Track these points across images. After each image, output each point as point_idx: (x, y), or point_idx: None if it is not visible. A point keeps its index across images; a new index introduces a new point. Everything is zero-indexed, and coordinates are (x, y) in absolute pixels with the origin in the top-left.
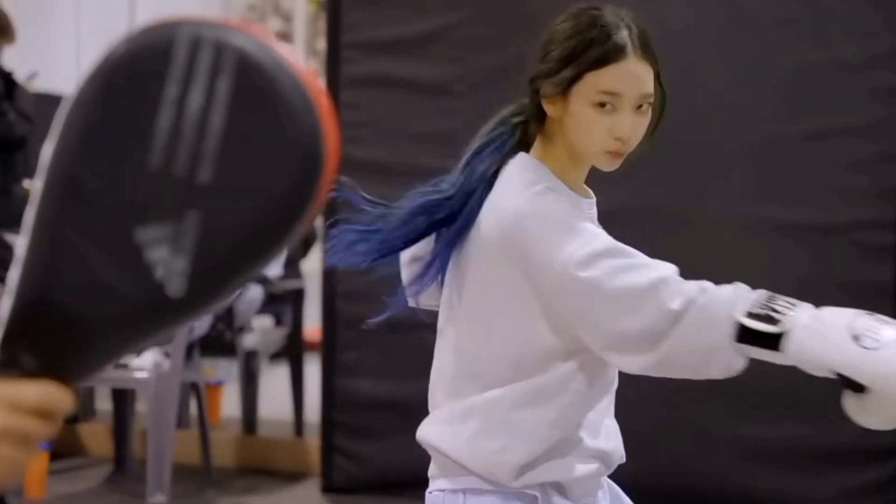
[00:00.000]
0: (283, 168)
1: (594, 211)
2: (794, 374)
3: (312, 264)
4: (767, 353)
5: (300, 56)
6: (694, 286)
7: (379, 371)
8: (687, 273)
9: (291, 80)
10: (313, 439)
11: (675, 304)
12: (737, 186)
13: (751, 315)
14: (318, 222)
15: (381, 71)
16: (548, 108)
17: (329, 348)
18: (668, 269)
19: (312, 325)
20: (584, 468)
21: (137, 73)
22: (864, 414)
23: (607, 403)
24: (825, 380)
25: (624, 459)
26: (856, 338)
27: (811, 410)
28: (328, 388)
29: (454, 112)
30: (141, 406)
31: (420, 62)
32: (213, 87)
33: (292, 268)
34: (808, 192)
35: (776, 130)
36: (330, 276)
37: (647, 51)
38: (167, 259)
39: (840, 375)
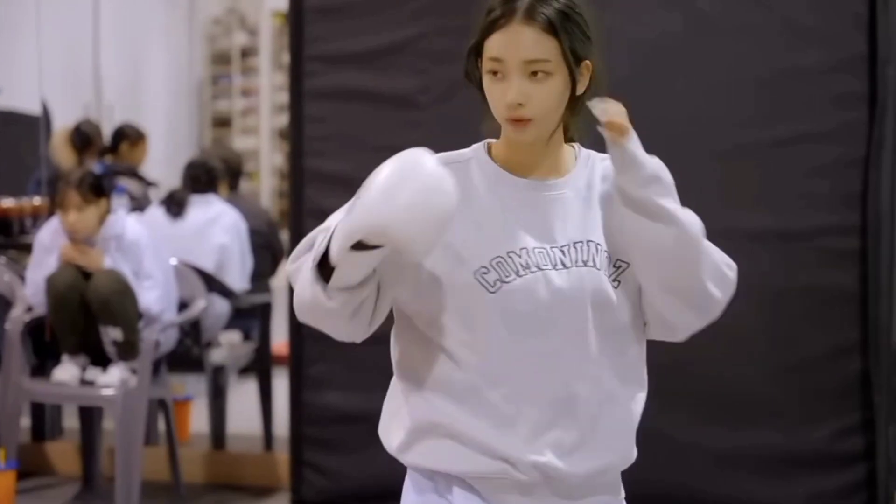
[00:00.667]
0: None
1: (534, 192)
2: (761, 380)
3: (279, 279)
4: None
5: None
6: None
7: (347, 384)
8: None
9: None
10: (282, 454)
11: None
12: (704, 193)
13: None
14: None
15: (345, 83)
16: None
17: (297, 362)
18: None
19: (280, 339)
20: (481, 465)
21: None
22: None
23: (526, 409)
24: (793, 386)
25: (577, 476)
26: None
27: (779, 416)
28: (297, 402)
29: (418, 124)
30: (108, 423)
31: (384, 74)
32: None
33: (260, 282)
34: (774, 198)
35: (741, 138)
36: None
37: (539, 17)
38: None
39: None
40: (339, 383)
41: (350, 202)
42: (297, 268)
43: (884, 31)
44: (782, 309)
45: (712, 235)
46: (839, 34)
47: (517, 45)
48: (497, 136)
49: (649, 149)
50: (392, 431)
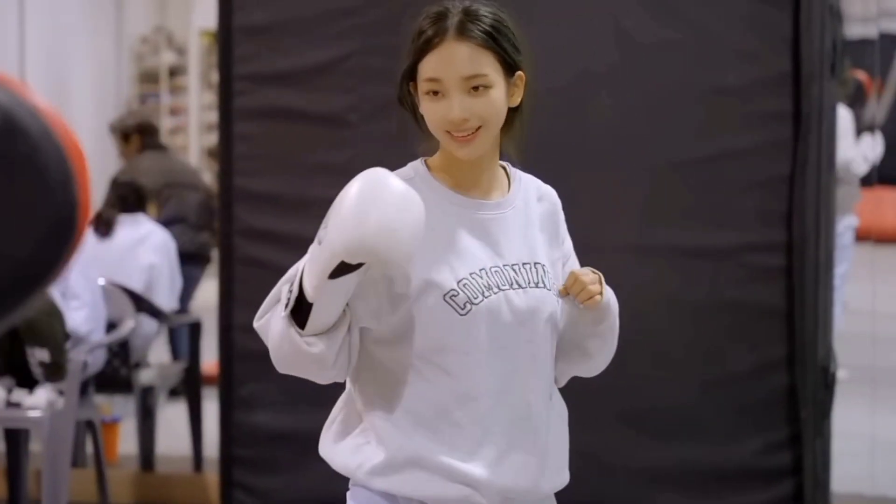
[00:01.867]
0: (32, 236)
1: (481, 212)
2: (687, 396)
3: (208, 297)
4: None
5: (67, 123)
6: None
7: (278, 404)
8: None
9: (55, 150)
10: (212, 475)
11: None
12: (630, 209)
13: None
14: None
15: (274, 102)
16: (418, 105)
17: (226, 382)
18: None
19: (209, 359)
20: (448, 490)
21: None
22: None
23: (492, 429)
24: (720, 401)
25: (536, 496)
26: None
27: (706, 432)
28: (226, 422)
29: (348, 142)
30: (35, 446)
31: (314, 93)
32: None
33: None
34: (697, 215)
35: (667, 154)
36: (226, 308)
37: (472, 33)
38: None
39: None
40: (269, 403)
41: (313, 245)
42: (266, 322)
43: (808, 49)
44: (708, 324)
45: (639, 251)
46: (764, 52)
47: (454, 62)
48: (432, 156)
49: (575, 166)
50: (353, 459)
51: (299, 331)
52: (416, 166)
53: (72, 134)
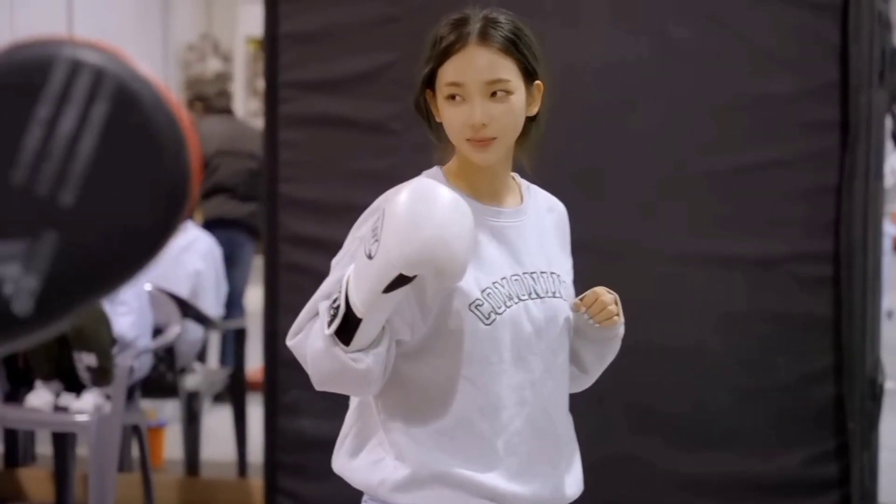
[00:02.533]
0: (147, 203)
1: (499, 220)
2: (734, 406)
3: (253, 303)
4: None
5: (176, 94)
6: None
7: (322, 411)
8: (623, 305)
9: (167, 117)
10: (257, 480)
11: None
12: (674, 219)
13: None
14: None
15: (319, 109)
16: (434, 112)
17: (271, 388)
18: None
19: (254, 364)
20: (462, 502)
21: (10, 87)
22: None
23: (514, 440)
24: (766, 411)
25: None
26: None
27: (753, 442)
28: (271, 428)
29: (392, 150)
30: (82, 450)
31: (358, 101)
32: (87, 113)
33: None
34: (745, 224)
35: (712, 163)
36: (271, 315)
37: (495, 39)
38: (18, 276)
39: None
40: (313, 410)
41: (360, 259)
42: (303, 339)
43: (856, 58)
44: (755, 334)
45: (685, 261)
46: (812, 61)
47: (476, 67)
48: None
49: (620, 175)
50: (373, 475)
51: (344, 348)
52: (433, 173)
53: (180, 104)
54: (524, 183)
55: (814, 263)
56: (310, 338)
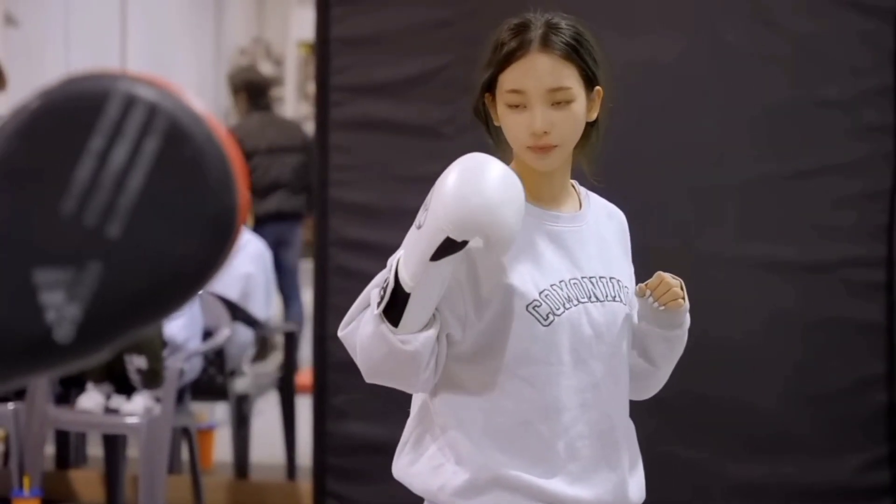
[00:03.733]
0: (194, 238)
1: (558, 225)
2: (785, 412)
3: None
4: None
5: (226, 131)
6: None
7: (371, 414)
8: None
9: (218, 155)
10: (305, 483)
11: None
12: (725, 224)
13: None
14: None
15: (370, 113)
16: (493, 117)
17: (320, 391)
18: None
19: (304, 367)
20: None
21: (66, 118)
22: None
23: (576, 444)
24: (818, 417)
25: None
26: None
27: (804, 448)
28: (320, 431)
29: (443, 154)
30: (132, 451)
31: (409, 104)
32: (139, 147)
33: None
34: (796, 229)
35: (763, 168)
36: (320, 318)
37: (557, 45)
38: (61, 304)
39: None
40: (362, 413)
41: (410, 231)
42: (354, 328)
43: None
44: (806, 340)
45: (736, 265)
46: (865, 65)
47: (538, 74)
48: None
49: (674, 178)
50: (433, 481)
51: (392, 328)
52: None
53: (230, 138)
54: (583, 190)
55: (866, 269)
56: (360, 326)
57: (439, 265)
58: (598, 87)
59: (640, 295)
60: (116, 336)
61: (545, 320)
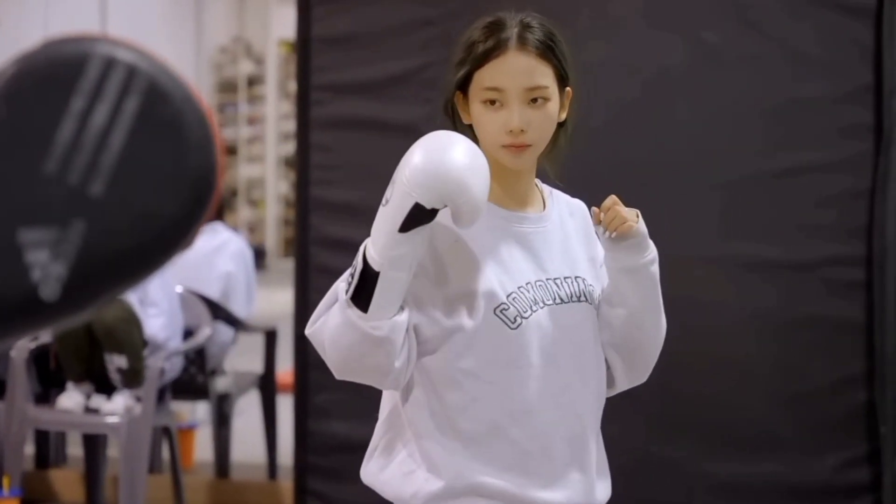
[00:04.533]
0: (175, 195)
1: (524, 226)
2: (766, 410)
3: (284, 306)
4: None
5: (204, 95)
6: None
7: (352, 413)
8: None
9: (196, 114)
10: (286, 482)
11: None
12: (706, 223)
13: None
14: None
15: (351, 112)
16: (463, 115)
17: (301, 390)
18: None
19: (284, 367)
20: None
21: (47, 80)
22: None
23: (549, 446)
24: (798, 416)
25: None
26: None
27: (784, 447)
28: (301, 430)
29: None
30: (112, 451)
31: (390, 103)
32: (119, 107)
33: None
34: (779, 228)
35: (746, 168)
36: (302, 317)
37: (534, 44)
38: (46, 262)
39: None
40: (343, 412)
41: (379, 210)
42: (322, 324)
43: (890, 62)
44: (787, 339)
45: (717, 265)
46: (845, 65)
47: (516, 73)
48: None
49: (652, 178)
50: (406, 487)
51: (362, 314)
52: None
53: (205, 100)
54: (546, 188)
55: (847, 268)
56: (329, 318)
57: (409, 238)
58: (568, 88)
59: (596, 221)
60: (101, 294)
61: (513, 323)
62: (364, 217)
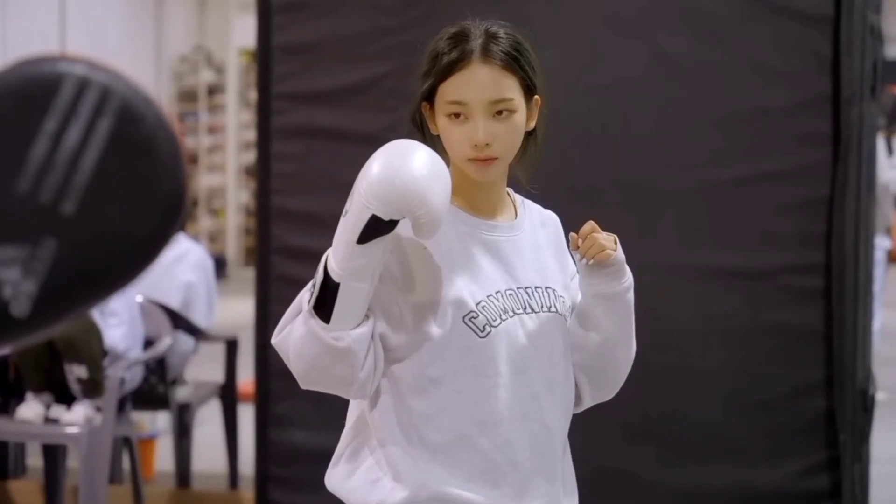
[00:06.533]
0: (145, 216)
1: (494, 234)
2: (726, 418)
3: (244, 315)
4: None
5: (164, 104)
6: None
7: (313, 422)
8: None
9: (168, 136)
10: (248, 492)
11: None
12: (665, 232)
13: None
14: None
15: (312, 121)
16: (430, 126)
17: (262, 400)
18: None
19: (245, 376)
20: None
21: (21, 99)
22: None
23: (515, 457)
24: (758, 423)
25: None
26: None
27: (745, 454)
28: (262, 440)
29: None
30: (72, 462)
31: (351, 112)
32: (92, 127)
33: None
34: (738, 236)
35: (704, 176)
36: (262, 326)
37: (498, 56)
38: (17, 280)
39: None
40: (305, 422)
41: (340, 222)
42: (287, 334)
43: (848, 71)
44: (746, 347)
45: (676, 273)
46: (804, 74)
47: (480, 85)
48: None
49: (612, 187)
50: (371, 496)
51: (325, 325)
52: None
53: (175, 121)
54: (518, 198)
55: (806, 275)
56: (293, 329)
57: (368, 250)
58: (536, 97)
59: (574, 247)
60: (70, 311)
61: (482, 332)
62: (325, 226)
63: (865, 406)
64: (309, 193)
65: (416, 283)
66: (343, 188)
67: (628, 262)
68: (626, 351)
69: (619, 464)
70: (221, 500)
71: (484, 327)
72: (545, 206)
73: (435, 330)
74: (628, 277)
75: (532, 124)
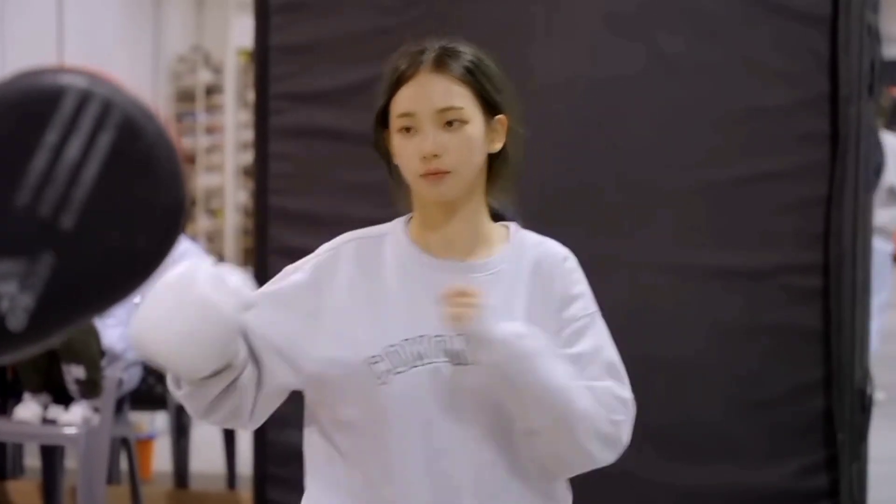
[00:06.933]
0: (144, 230)
1: (444, 274)
2: (725, 418)
3: None
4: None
5: (162, 104)
6: None
7: None
8: (614, 318)
9: (168, 149)
10: (246, 492)
11: None
12: (664, 231)
13: None
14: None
15: (310, 121)
16: (394, 154)
17: None
18: None
19: None
20: None
21: (22, 112)
22: None
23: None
24: (757, 423)
25: None
26: None
27: (743, 454)
28: (260, 440)
29: (383, 162)
30: (70, 462)
31: (349, 112)
32: (93, 141)
33: None
34: (736, 236)
35: (703, 175)
36: None
37: (449, 66)
38: (14, 294)
39: None
40: (302, 422)
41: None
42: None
43: (845, 70)
44: (744, 346)
45: (675, 272)
46: (802, 74)
47: (428, 94)
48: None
49: (611, 187)
50: None
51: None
52: (396, 223)
53: (175, 135)
54: (517, 235)
55: (804, 275)
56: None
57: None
58: (500, 116)
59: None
60: (68, 324)
61: (379, 379)
62: (323, 226)
63: (863, 405)
64: (307, 194)
65: (329, 323)
66: (341, 188)
67: (629, 262)
68: (573, 444)
69: (618, 464)
70: (220, 500)
71: (383, 374)
72: (545, 210)
73: (341, 373)
74: (506, 348)
75: (497, 146)
